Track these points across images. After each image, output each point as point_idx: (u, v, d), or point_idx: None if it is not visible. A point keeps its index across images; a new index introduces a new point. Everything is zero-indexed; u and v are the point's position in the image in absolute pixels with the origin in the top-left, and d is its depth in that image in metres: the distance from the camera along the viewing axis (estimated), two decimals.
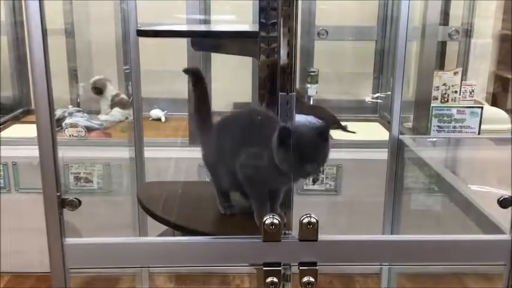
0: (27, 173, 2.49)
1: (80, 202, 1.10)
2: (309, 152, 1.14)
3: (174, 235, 1.39)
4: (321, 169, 1.21)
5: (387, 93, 3.12)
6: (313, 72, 3.03)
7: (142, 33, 1.71)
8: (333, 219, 2.52)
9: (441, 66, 2.93)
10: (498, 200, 1.13)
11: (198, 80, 1.45)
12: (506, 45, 2.98)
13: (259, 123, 1.26)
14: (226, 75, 3.14)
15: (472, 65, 2.95)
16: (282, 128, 1.14)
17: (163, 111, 3.07)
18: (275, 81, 1.27)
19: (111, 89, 2.97)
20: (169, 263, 1.16)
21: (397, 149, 1.96)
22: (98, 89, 2.96)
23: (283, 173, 1.18)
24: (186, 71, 1.47)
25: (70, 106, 3.01)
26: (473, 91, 2.54)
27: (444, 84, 2.50)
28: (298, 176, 1.21)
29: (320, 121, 3.00)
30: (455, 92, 2.52)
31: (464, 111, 2.34)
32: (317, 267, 1.10)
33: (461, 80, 2.54)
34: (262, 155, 1.20)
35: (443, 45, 2.98)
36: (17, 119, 3.09)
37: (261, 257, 1.11)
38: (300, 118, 3.04)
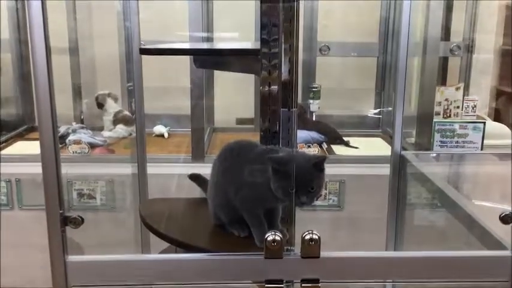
0: (30, 190, 2.49)
1: (82, 220, 1.11)
2: (304, 183, 1.14)
3: (176, 252, 1.39)
4: (316, 198, 1.20)
5: (389, 108, 3.13)
6: (316, 88, 3.04)
7: (145, 51, 1.72)
8: (336, 235, 2.51)
9: (443, 81, 2.94)
10: (500, 215, 1.13)
11: (203, 182, 1.56)
12: (508, 60, 2.99)
13: (244, 153, 1.28)
14: (228, 91, 3.16)
15: (474, 80, 2.96)
16: (277, 158, 1.16)
17: (166, 127, 3.08)
18: (277, 98, 1.27)
19: (113, 105, 2.99)
20: (172, 280, 1.16)
21: (399, 164, 1.96)
22: (99, 103, 2.99)
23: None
24: (190, 177, 1.60)
25: (74, 123, 3.02)
26: (475, 106, 2.55)
27: (446, 100, 2.51)
28: (294, 205, 1.21)
29: (322, 136, 3.03)
30: (458, 107, 2.53)
31: (466, 126, 2.34)
32: (319, 284, 1.10)
33: (464, 95, 2.55)
34: (252, 183, 1.22)
35: (444, 60, 2.99)
36: (20, 136, 3.10)
37: (263, 274, 1.11)
38: (303, 134, 3.05)
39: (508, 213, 1.12)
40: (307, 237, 1.08)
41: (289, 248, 1.12)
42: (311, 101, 3.03)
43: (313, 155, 1.19)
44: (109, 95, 2.98)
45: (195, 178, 1.61)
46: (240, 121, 3.23)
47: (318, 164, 1.16)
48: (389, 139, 2.89)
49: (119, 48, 2.77)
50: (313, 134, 2.88)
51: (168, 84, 3.04)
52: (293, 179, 1.13)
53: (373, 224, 2.21)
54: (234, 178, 1.29)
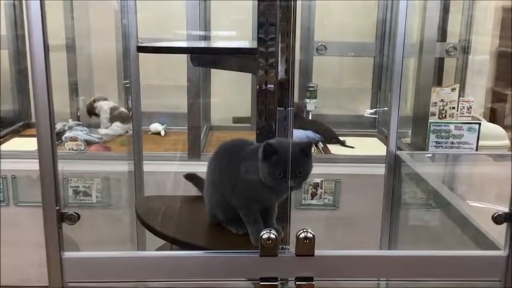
0: (26, 187, 2.49)
1: (79, 216, 1.11)
2: (292, 168, 1.16)
3: (171, 249, 1.39)
4: (303, 183, 1.23)
5: (385, 108, 3.14)
6: (312, 87, 3.04)
7: (142, 49, 1.72)
8: (331, 233, 2.52)
9: (439, 82, 2.95)
10: (492, 216, 1.14)
11: (199, 181, 1.58)
12: (504, 61, 3.00)
13: (239, 151, 1.30)
14: (225, 90, 3.16)
15: (470, 81, 2.97)
16: (266, 144, 1.18)
17: (162, 125, 3.08)
18: (273, 97, 1.28)
19: (105, 103, 2.99)
20: (167, 277, 1.16)
21: (394, 164, 1.97)
22: (92, 109, 3.00)
23: (271, 191, 1.22)
24: (186, 177, 1.63)
25: (70, 120, 3.02)
26: (470, 107, 2.56)
27: (442, 100, 2.51)
28: (282, 190, 1.23)
29: (318, 136, 3.04)
30: (453, 108, 2.53)
31: (462, 127, 2.35)
32: (314, 282, 1.11)
33: (459, 96, 2.55)
34: (247, 181, 1.24)
35: (440, 61, 3.00)
36: (17, 133, 3.09)
37: (258, 272, 1.12)
38: (299, 133, 3.06)
39: (501, 213, 1.13)
40: (302, 235, 1.09)
41: (284, 246, 1.13)
42: (308, 100, 3.03)
43: (299, 141, 1.21)
44: (95, 100, 2.99)
45: (191, 178, 1.62)
46: (237, 120, 3.24)
47: (304, 149, 1.19)
48: (385, 139, 2.90)
49: (116, 45, 2.76)
50: (310, 133, 2.89)
51: (165, 83, 3.05)
52: (290, 163, 1.15)
53: (367, 223, 2.21)
54: (230, 176, 1.30)
